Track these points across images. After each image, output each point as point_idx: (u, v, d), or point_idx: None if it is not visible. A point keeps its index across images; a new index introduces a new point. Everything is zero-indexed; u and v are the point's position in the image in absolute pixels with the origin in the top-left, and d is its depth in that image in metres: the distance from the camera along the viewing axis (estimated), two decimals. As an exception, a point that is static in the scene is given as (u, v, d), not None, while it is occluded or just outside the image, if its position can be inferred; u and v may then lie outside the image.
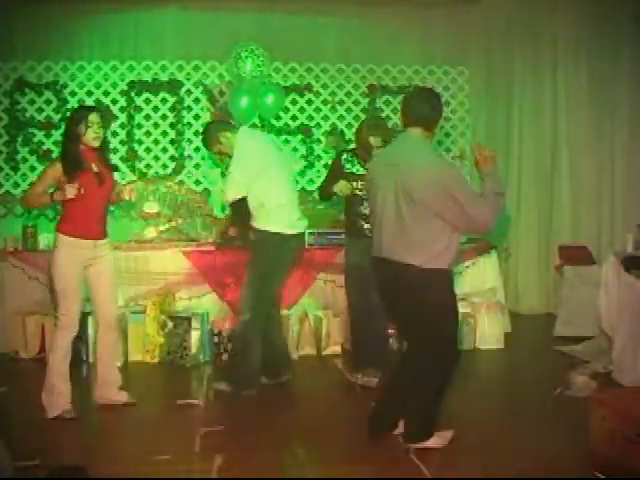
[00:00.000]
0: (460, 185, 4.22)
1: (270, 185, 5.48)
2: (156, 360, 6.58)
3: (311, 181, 8.89)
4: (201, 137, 5.98)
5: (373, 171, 4.51)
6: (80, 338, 6.36)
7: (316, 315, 7.03)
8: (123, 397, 5.29)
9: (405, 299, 4.31)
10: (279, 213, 5.52)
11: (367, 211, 5.37)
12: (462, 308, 6.99)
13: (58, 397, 5.00)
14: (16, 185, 8.14)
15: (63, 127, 5.38)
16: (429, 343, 4.28)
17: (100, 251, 5.12)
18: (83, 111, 5.17)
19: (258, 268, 5.56)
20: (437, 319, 4.27)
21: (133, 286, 6.90)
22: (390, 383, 4.60)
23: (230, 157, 5.58)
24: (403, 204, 4.16)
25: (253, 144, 5.62)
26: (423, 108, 4.35)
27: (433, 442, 4.34)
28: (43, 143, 8.37)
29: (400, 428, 4.45)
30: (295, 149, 8.92)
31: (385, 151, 4.68)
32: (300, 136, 8.94)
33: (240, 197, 5.53)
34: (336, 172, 6.06)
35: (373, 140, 5.77)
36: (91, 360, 6.50)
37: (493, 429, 4.75)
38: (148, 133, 8.78)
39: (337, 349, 6.83)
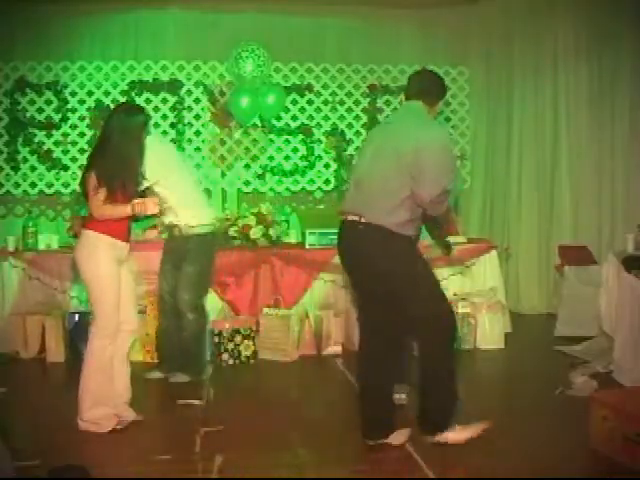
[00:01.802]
0: (442, 154, 4.27)
1: (175, 187, 5.82)
2: (156, 360, 6.57)
3: (311, 181, 8.88)
4: None
5: (371, 133, 4.67)
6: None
7: (316, 315, 7.04)
8: (131, 414, 4.98)
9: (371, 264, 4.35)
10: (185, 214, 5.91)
11: None
12: (462, 308, 7.05)
13: (107, 409, 4.86)
14: (17, 185, 8.13)
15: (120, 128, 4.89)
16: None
17: (127, 255, 5.01)
18: (144, 116, 5.04)
19: (198, 266, 5.94)
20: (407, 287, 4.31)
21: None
22: (372, 382, 4.57)
23: None
24: (390, 162, 4.24)
25: (158, 149, 5.69)
26: (424, 82, 4.55)
27: (454, 436, 4.33)
28: (44, 143, 8.36)
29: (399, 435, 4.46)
30: (295, 149, 8.91)
31: (386, 117, 4.77)
32: (301, 136, 8.93)
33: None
34: None
35: None
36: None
37: (493, 429, 4.74)
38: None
39: (337, 349, 6.83)
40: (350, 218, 4.36)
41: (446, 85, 4.71)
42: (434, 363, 4.30)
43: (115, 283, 4.79)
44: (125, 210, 4.75)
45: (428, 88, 4.52)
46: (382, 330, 4.46)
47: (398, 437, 4.41)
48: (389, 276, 4.28)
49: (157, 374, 6.16)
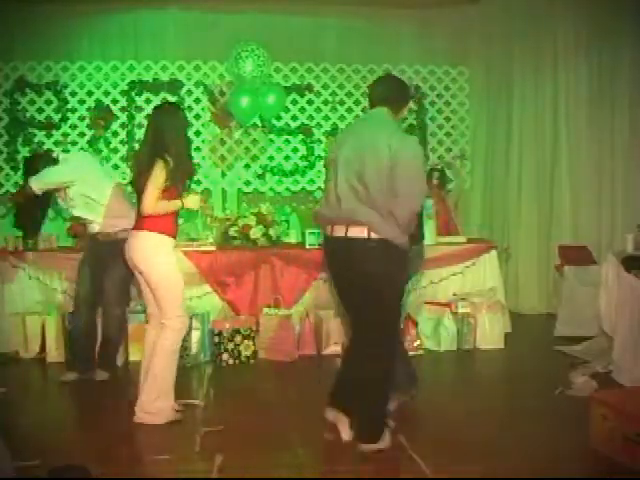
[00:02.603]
0: (413, 163, 4.24)
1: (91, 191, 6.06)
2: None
3: (312, 181, 8.90)
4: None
5: (338, 141, 4.54)
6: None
7: (316, 315, 7.04)
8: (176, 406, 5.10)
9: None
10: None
11: None
12: (462, 308, 7.05)
13: (169, 401, 4.99)
14: (16, 185, 8.12)
15: (176, 125, 4.99)
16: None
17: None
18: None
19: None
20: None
21: (134, 286, 6.89)
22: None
23: None
24: (363, 174, 4.20)
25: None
26: (390, 88, 4.50)
27: (383, 444, 4.36)
28: (44, 143, 8.37)
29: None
30: (296, 149, 8.92)
31: (350, 126, 4.67)
32: (301, 136, 8.94)
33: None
34: None
35: None
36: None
37: (493, 429, 4.75)
38: (148, 133, 8.78)
39: (337, 349, 6.82)
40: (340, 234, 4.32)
41: (410, 91, 4.67)
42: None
43: (181, 279, 4.97)
44: (177, 205, 4.88)
45: (394, 94, 4.47)
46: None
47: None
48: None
49: (73, 375, 6.13)
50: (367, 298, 4.28)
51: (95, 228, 6.10)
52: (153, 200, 4.73)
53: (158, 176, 4.72)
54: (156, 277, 4.85)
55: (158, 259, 4.84)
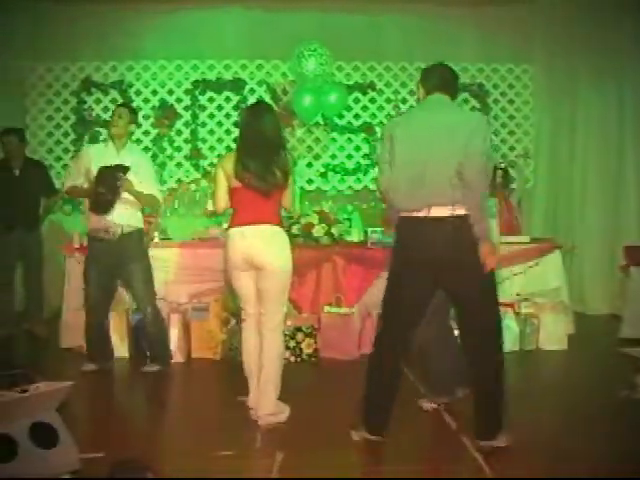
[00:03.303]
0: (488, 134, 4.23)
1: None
2: (218, 357, 6.62)
3: (374, 179, 8.88)
4: None
5: (408, 130, 4.30)
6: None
7: (378, 313, 7.01)
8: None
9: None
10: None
11: None
12: (526, 308, 6.98)
13: None
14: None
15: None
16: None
17: None
18: None
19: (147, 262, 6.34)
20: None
21: (196, 283, 6.95)
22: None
23: None
24: (460, 159, 4.09)
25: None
26: (447, 76, 4.43)
27: (502, 441, 4.29)
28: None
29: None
30: (358, 147, 8.91)
31: (419, 112, 4.49)
32: (363, 134, 8.94)
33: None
34: None
35: None
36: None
37: (556, 430, 4.69)
38: (212, 132, 8.87)
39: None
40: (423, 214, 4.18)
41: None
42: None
43: None
44: None
45: (451, 81, 4.42)
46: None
47: None
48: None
49: (92, 366, 6.32)
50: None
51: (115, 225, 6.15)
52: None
53: (288, 175, 4.89)
54: (287, 276, 4.95)
55: (289, 256, 4.94)
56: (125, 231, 6.14)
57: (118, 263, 6.17)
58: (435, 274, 4.21)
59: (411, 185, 4.16)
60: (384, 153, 4.34)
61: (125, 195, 6.03)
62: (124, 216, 6.12)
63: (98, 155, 6.12)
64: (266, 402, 4.85)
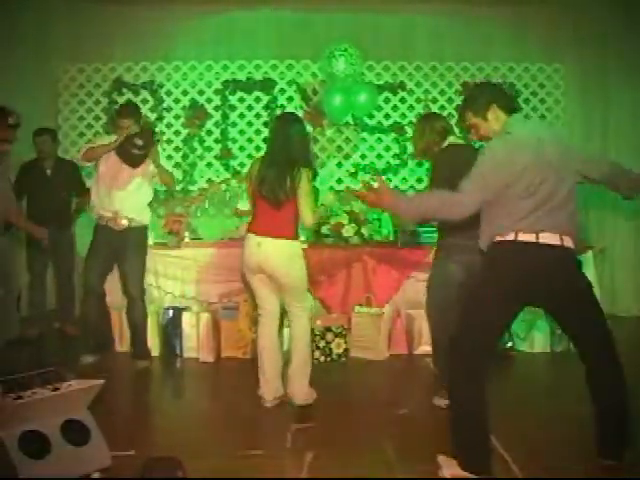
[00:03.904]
0: None
1: None
2: (248, 356, 6.62)
3: (404, 179, 8.87)
4: None
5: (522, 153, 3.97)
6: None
7: (408, 314, 7.00)
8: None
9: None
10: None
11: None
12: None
13: None
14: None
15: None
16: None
17: None
18: None
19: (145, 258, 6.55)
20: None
21: (226, 283, 6.97)
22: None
23: None
24: (566, 177, 4.05)
25: None
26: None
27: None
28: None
29: None
30: (388, 147, 8.90)
31: (520, 131, 4.28)
32: (393, 134, 8.92)
33: None
34: None
35: None
36: (185, 355, 6.70)
37: (588, 431, 4.64)
38: (242, 132, 8.89)
39: (428, 348, 6.75)
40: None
41: None
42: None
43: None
44: None
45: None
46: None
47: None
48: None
49: (89, 358, 6.48)
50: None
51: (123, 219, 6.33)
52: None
53: (309, 186, 5.02)
54: (302, 284, 5.20)
55: (302, 266, 5.14)
56: (132, 225, 6.34)
57: (119, 252, 6.35)
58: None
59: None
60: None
61: (139, 180, 6.32)
62: (134, 210, 6.33)
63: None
64: (298, 387, 5.15)
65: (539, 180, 3.87)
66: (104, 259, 6.37)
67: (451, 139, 5.26)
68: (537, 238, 3.86)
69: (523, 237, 3.86)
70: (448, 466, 3.94)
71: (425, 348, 6.79)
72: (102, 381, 3.77)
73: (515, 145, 3.94)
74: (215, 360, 6.64)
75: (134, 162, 6.21)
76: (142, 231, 6.46)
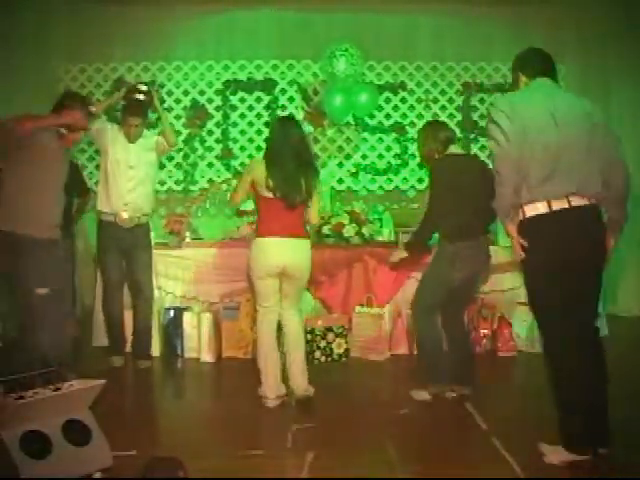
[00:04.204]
0: None
1: None
2: (249, 356, 6.62)
3: (405, 180, 8.87)
4: None
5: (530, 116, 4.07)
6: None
7: (409, 314, 6.99)
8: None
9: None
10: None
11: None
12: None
13: None
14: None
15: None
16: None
17: None
18: None
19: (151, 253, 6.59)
20: None
21: (227, 283, 6.97)
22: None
23: None
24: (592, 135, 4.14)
25: None
26: (549, 60, 4.64)
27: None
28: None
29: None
30: (389, 147, 8.90)
31: (534, 94, 4.31)
32: (394, 134, 8.92)
33: None
34: None
35: None
36: (186, 355, 6.70)
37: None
38: (243, 132, 8.89)
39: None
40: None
41: None
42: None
43: None
44: None
45: (553, 65, 4.54)
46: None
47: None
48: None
49: (120, 360, 6.52)
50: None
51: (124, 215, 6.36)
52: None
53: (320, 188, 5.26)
54: (307, 279, 5.32)
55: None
56: (141, 222, 6.40)
57: (128, 249, 6.35)
58: None
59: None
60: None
61: (143, 174, 6.41)
62: (138, 203, 6.36)
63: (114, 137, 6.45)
64: (301, 380, 5.25)
65: (554, 140, 3.95)
66: (117, 255, 6.37)
67: (452, 148, 5.29)
68: (569, 203, 3.93)
69: (556, 205, 3.93)
70: (553, 452, 4.05)
71: (426, 348, 6.79)
72: (103, 381, 3.78)
73: (520, 98, 4.25)
74: (216, 360, 6.64)
75: (141, 110, 6.32)
76: (148, 228, 6.49)
